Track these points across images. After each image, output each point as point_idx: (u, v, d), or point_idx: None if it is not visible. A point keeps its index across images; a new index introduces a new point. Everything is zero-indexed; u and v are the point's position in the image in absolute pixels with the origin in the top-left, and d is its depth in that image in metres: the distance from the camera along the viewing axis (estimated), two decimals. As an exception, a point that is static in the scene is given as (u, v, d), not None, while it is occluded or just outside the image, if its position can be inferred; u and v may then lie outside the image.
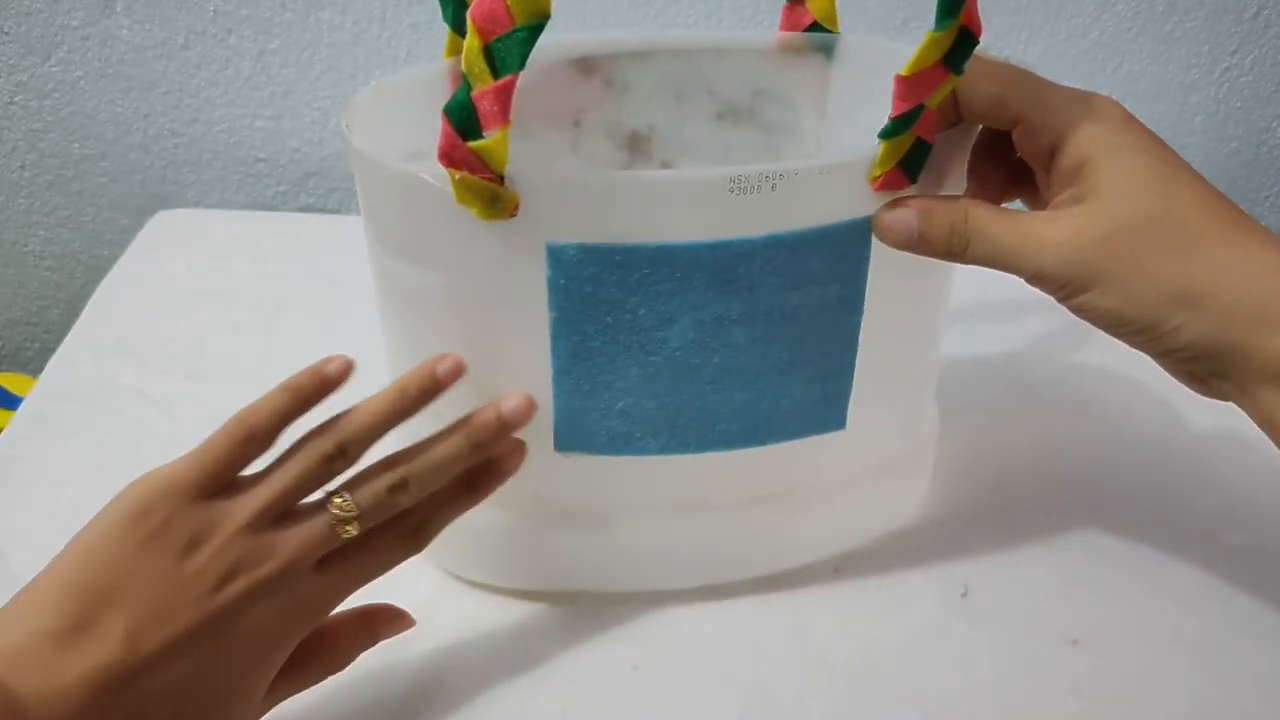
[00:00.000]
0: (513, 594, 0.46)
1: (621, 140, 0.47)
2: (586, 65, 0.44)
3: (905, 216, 0.36)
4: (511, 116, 0.32)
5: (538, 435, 0.40)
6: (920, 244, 0.36)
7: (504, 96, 0.32)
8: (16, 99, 0.74)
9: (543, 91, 0.43)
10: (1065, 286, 0.34)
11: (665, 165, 0.47)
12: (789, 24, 0.44)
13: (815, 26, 0.44)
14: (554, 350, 0.38)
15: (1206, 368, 0.34)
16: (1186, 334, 0.33)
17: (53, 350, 0.61)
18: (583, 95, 0.45)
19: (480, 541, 0.44)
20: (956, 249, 0.35)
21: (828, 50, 0.44)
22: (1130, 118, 0.35)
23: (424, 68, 0.41)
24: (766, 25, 0.71)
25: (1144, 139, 0.34)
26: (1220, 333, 0.32)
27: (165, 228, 0.72)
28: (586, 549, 0.44)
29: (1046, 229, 0.34)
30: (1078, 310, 0.34)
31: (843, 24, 0.44)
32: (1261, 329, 0.32)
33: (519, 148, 0.46)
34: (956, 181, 0.39)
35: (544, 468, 0.41)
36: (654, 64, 0.45)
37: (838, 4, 0.44)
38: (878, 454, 0.45)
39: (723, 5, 0.71)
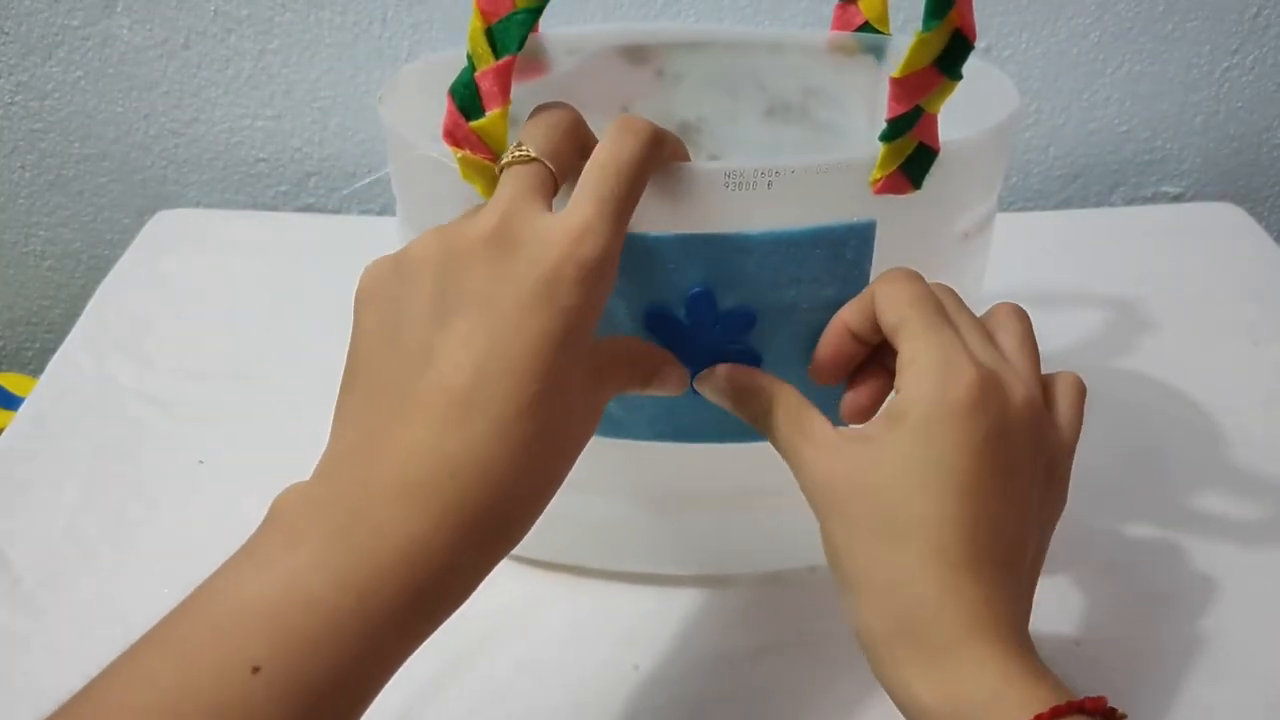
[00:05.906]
0: (512, 587, 0.46)
1: (671, 130, 0.47)
2: (638, 54, 0.44)
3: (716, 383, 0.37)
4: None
5: None
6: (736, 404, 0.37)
7: (503, 77, 0.33)
8: (17, 99, 0.74)
9: (592, 77, 0.43)
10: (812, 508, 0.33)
11: (713, 158, 0.47)
12: (840, 23, 0.44)
13: (866, 27, 0.43)
14: None
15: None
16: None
17: (53, 350, 0.61)
18: (633, 83, 0.45)
19: None
20: (760, 415, 0.36)
21: (878, 52, 0.44)
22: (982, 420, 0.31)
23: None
24: (767, 21, 0.72)
25: (958, 453, 0.30)
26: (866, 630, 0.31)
27: (166, 227, 0.72)
28: (585, 525, 0.44)
29: (819, 453, 0.33)
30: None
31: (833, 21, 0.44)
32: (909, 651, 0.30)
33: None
34: (973, 195, 0.38)
35: None
36: (706, 56, 0.45)
37: (831, 4, 0.44)
38: None
39: (722, 4, 0.71)
